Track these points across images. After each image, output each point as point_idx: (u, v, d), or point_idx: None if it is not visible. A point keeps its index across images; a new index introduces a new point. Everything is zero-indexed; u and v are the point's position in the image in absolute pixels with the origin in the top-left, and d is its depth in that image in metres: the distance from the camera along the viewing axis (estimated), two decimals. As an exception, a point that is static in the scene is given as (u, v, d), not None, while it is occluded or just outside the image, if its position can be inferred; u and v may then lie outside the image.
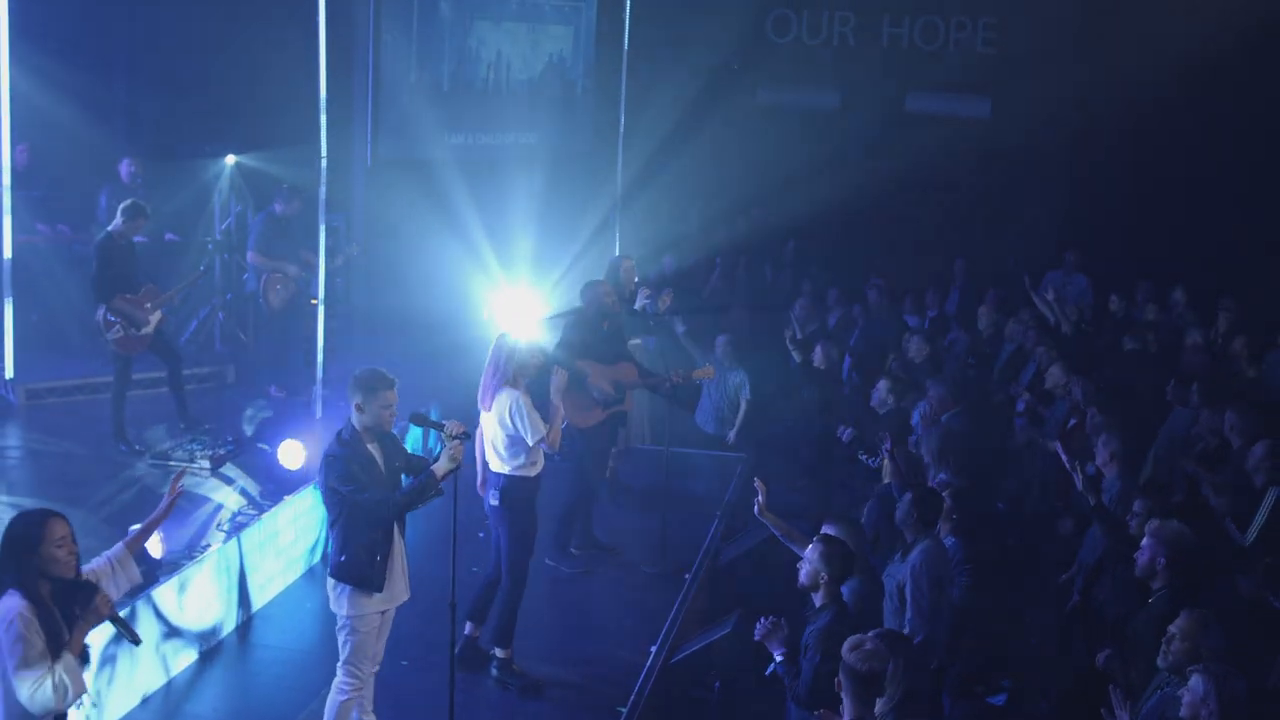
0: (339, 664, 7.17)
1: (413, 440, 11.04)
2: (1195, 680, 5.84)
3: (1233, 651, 7.93)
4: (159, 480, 9.79)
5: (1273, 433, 10.28)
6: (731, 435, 13.09)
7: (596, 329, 10.10)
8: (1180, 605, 6.69)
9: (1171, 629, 6.39)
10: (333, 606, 7.12)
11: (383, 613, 7.19)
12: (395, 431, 7.34)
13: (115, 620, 5.87)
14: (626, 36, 14.14)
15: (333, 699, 7.20)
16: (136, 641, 6.07)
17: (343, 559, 6.97)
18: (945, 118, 18.53)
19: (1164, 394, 12.11)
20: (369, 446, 7.01)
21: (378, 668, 7.40)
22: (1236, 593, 8.76)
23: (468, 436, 6.99)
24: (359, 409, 6.97)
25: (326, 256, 11.37)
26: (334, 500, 7.00)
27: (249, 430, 11.02)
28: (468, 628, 8.54)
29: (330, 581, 7.09)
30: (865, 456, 10.07)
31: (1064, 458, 9.12)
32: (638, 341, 11.40)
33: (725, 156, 19.43)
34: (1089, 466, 9.64)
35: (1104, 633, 8.15)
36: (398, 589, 7.18)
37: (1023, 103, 17.88)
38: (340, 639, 7.14)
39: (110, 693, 7.53)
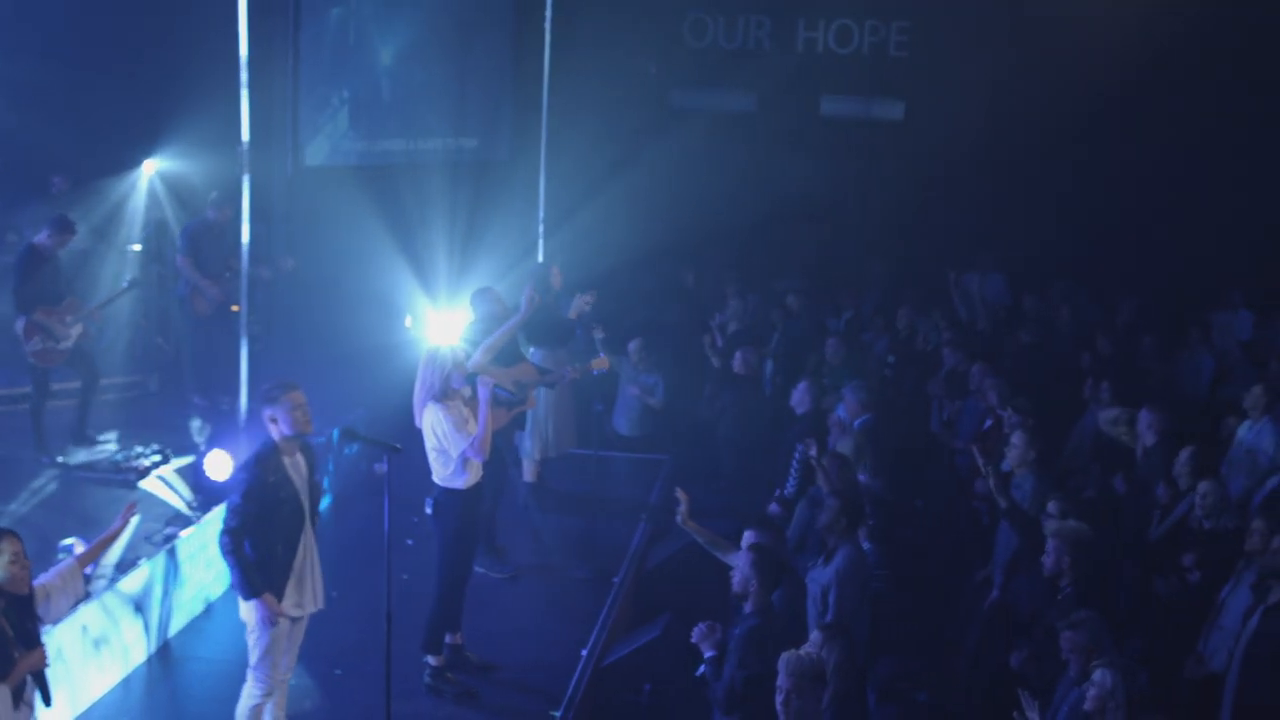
0: (248, 668, 7.30)
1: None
2: (1100, 674, 6.10)
3: (1146, 644, 8.30)
4: (80, 492, 9.78)
5: (1188, 431, 10.66)
6: (626, 426, 13.25)
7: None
8: (1086, 603, 6.96)
9: (1075, 628, 6.66)
10: (242, 615, 7.26)
11: (293, 620, 7.31)
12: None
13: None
14: (548, 42, 14.21)
15: (243, 704, 7.38)
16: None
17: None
18: (860, 120, 18.80)
19: (1076, 393, 12.48)
20: (286, 460, 7.13)
21: (290, 674, 7.53)
22: (1149, 588, 9.11)
23: None
24: (274, 421, 7.09)
25: (253, 266, 11.36)
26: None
27: (199, 441, 11.01)
28: (448, 638, 8.64)
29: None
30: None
31: (978, 459, 9.39)
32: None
33: (646, 160, 19.60)
34: (1004, 465, 9.94)
35: (1020, 630, 8.43)
36: (306, 597, 7.31)
37: (936, 105, 18.21)
38: (250, 643, 7.28)
39: (39, 709, 7.53)
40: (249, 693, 7.34)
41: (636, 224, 18.05)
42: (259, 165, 11.03)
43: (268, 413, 7.12)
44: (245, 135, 9.99)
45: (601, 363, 11.25)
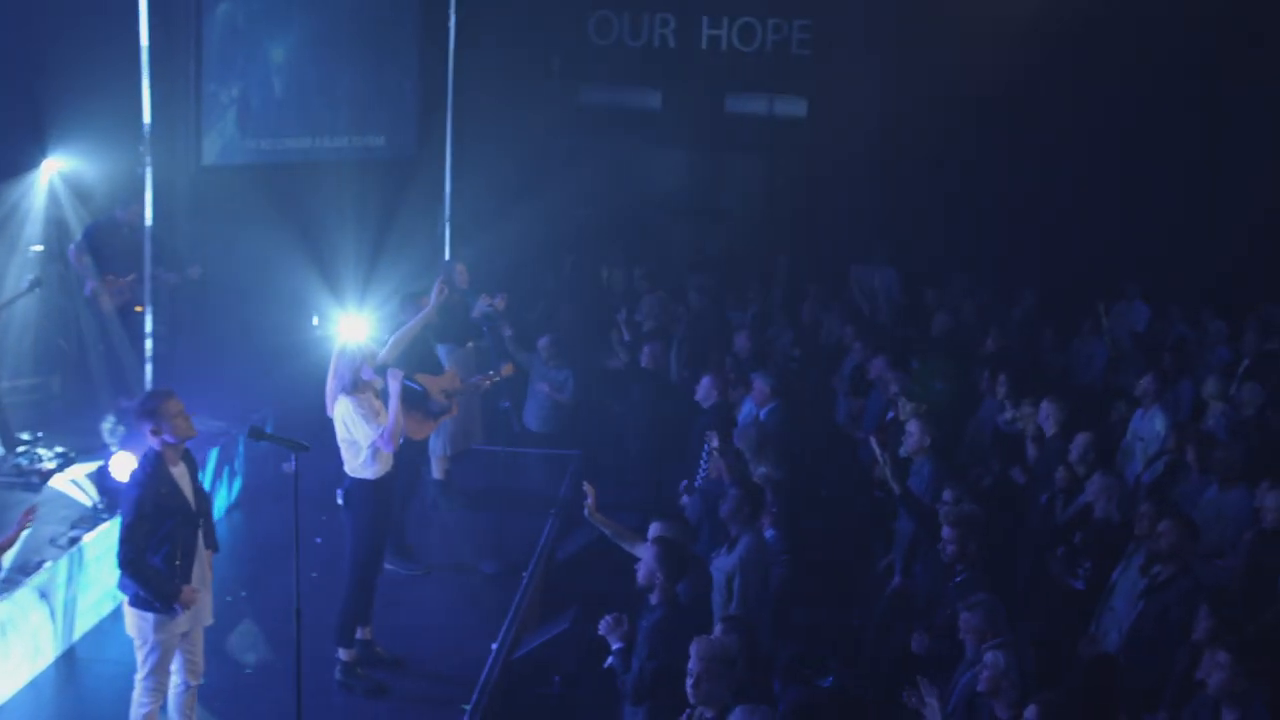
0: (138, 679, 7.34)
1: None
2: (992, 656, 6.31)
3: (1043, 627, 8.54)
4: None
5: (1082, 419, 10.97)
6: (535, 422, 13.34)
7: (424, 340, 10.29)
8: (981, 586, 7.18)
9: (971, 611, 6.87)
10: (129, 629, 7.33)
11: (184, 634, 7.38)
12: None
13: None
14: (452, 39, 14.23)
15: (134, 713, 7.39)
16: None
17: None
18: (764, 118, 19.03)
19: (975, 384, 12.77)
20: (173, 470, 7.17)
21: (198, 678, 7.59)
22: (1046, 572, 9.37)
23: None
24: (156, 433, 7.13)
25: (159, 270, 11.31)
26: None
27: (111, 442, 10.90)
28: (359, 632, 8.67)
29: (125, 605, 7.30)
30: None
31: (876, 449, 9.61)
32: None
33: (553, 157, 19.70)
34: (901, 452, 10.18)
35: (920, 615, 8.66)
36: (203, 608, 7.39)
37: (837, 102, 18.49)
38: (140, 656, 7.32)
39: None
40: (138, 702, 7.40)
41: (544, 221, 18.13)
42: (161, 162, 10.98)
43: (149, 425, 7.15)
44: (146, 118, 9.89)
45: (509, 369, 11.40)
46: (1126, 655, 7.83)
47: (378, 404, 8.37)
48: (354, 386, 8.29)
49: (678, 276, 16.89)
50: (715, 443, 9.72)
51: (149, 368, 11.05)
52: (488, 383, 10.66)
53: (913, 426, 10.23)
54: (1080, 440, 9.90)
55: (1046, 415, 10.69)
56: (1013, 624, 7.36)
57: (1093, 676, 8.05)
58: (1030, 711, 5.72)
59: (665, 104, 19.24)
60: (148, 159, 10.48)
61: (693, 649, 6.24)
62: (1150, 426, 11.43)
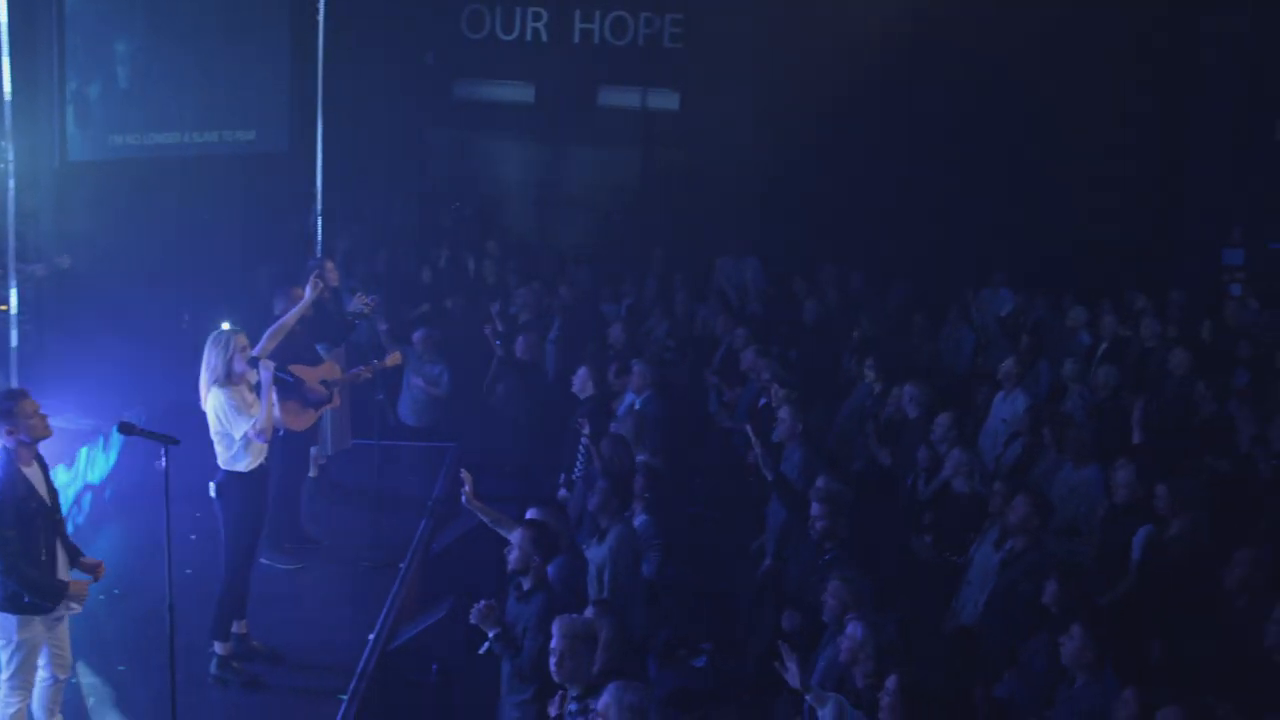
0: (3, 679, 7.28)
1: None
2: (853, 628, 6.55)
3: (911, 601, 8.83)
4: None
5: (948, 402, 11.31)
6: (411, 416, 13.36)
7: (300, 332, 10.29)
8: (849, 563, 7.42)
9: (836, 584, 7.11)
10: None
11: (50, 626, 7.35)
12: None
13: None
14: (321, 31, 14.15)
15: (1, 712, 7.32)
16: None
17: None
18: (637, 111, 19.20)
19: (846, 371, 13.09)
20: (25, 470, 7.16)
21: (68, 673, 7.54)
22: (910, 549, 9.68)
23: None
24: (11, 433, 7.09)
25: (26, 263, 11.14)
26: None
27: None
28: (234, 626, 8.67)
29: None
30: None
31: (751, 436, 9.84)
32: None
33: (427, 150, 19.72)
34: (774, 439, 10.41)
35: (791, 594, 8.89)
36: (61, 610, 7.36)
37: (709, 95, 18.74)
38: (4, 656, 7.26)
39: None
40: (4, 701, 7.33)
41: (419, 214, 18.17)
42: (23, 157, 10.82)
43: (4, 426, 7.10)
44: (6, 113, 9.73)
45: (394, 359, 11.43)
46: (983, 627, 8.13)
47: (250, 396, 8.38)
48: (226, 378, 8.30)
49: (552, 269, 16.99)
50: (585, 431, 9.88)
51: (13, 366, 10.87)
52: (369, 373, 10.69)
53: (784, 414, 10.48)
54: (941, 420, 10.24)
55: (910, 398, 11.00)
56: (879, 599, 7.63)
57: (952, 649, 8.38)
58: (891, 681, 5.95)
59: (538, 97, 19.31)
60: (9, 154, 10.32)
61: (555, 627, 6.38)
62: (1012, 408, 11.82)
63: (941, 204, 18.14)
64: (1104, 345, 14.44)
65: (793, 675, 6.08)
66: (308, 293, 9.88)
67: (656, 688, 8.53)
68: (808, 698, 6.06)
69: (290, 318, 9.58)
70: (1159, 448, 10.95)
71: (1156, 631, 8.05)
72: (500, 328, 13.21)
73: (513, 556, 7.37)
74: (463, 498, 8.46)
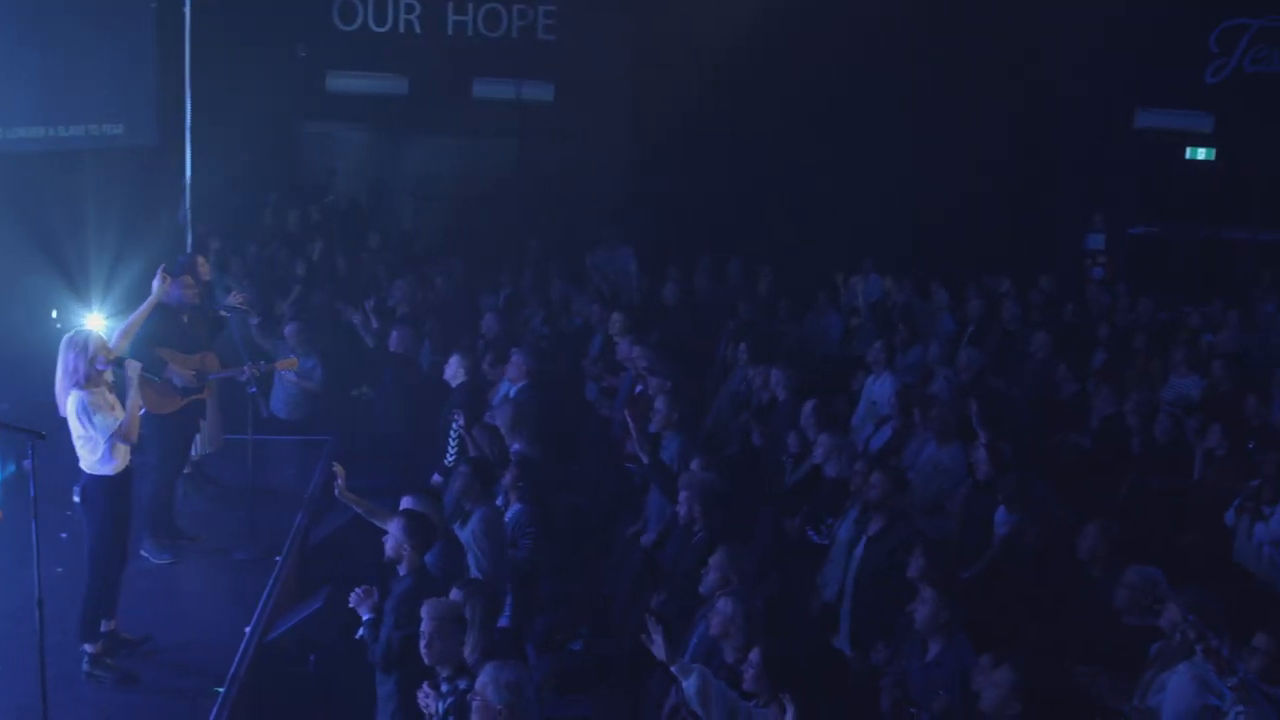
0: None
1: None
2: (723, 603, 6.71)
3: (781, 580, 9.04)
4: None
5: (817, 386, 11.55)
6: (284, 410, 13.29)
7: (175, 320, 10.22)
8: (717, 543, 7.59)
9: (710, 562, 7.28)
10: None
11: None
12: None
13: None
14: (188, 23, 13.98)
15: None
16: None
17: None
18: (511, 103, 19.24)
19: (721, 357, 13.29)
20: None
21: None
22: (781, 529, 9.89)
23: None
24: None
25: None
26: None
27: None
28: (104, 624, 8.58)
29: None
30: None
31: (630, 423, 9.97)
32: None
33: (301, 143, 19.59)
34: (651, 427, 10.56)
35: (666, 577, 9.04)
36: None
37: (584, 87, 18.85)
38: None
39: None
40: None
41: (293, 208, 18.03)
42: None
43: None
44: None
45: (289, 363, 11.37)
46: (852, 602, 8.36)
47: (112, 397, 8.27)
48: (86, 379, 8.15)
49: (427, 261, 16.98)
50: (459, 421, 9.94)
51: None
52: (256, 371, 10.62)
53: (660, 404, 10.63)
54: (808, 405, 10.45)
55: (777, 382, 11.22)
56: (753, 577, 7.80)
57: (820, 626, 8.61)
58: (754, 654, 6.11)
59: (412, 89, 19.25)
60: None
61: (423, 610, 6.45)
62: (881, 391, 12.11)
63: (814, 191, 18.43)
64: (970, 329, 14.85)
65: (658, 648, 6.21)
66: (155, 286, 9.78)
67: (535, 672, 8.65)
68: (673, 669, 6.19)
69: (142, 311, 9.50)
70: (1021, 427, 11.38)
71: (1019, 602, 8.34)
72: (374, 322, 13.18)
73: (389, 545, 7.44)
74: (336, 491, 8.51)
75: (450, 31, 19.47)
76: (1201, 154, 20.63)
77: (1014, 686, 5.85)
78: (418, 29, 19.39)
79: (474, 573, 8.20)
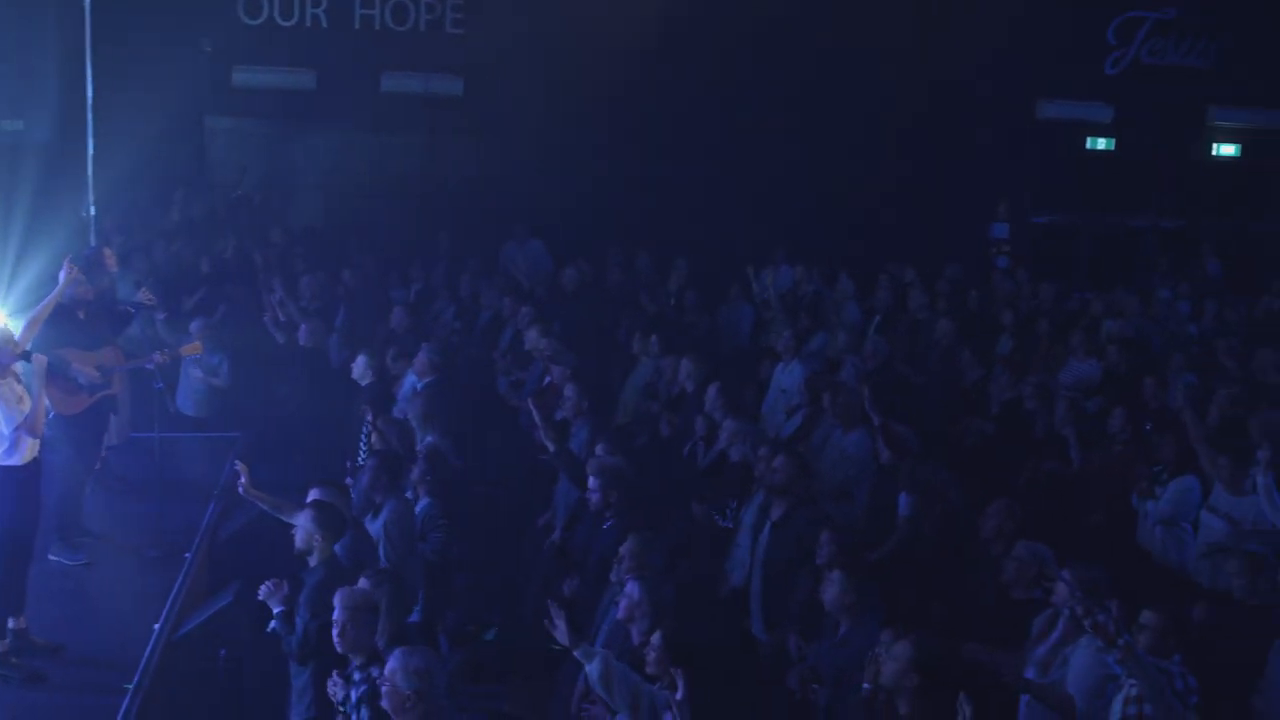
0: None
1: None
2: (631, 587, 6.80)
3: (691, 564, 9.14)
4: None
5: (726, 375, 11.67)
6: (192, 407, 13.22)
7: (72, 317, 10.13)
8: (628, 529, 7.68)
9: (621, 550, 7.36)
10: None
11: None
12: None
13: None
14: (88, 17, 13.79)
15: None
16: None
17: None
18: (421, 97, 19.16)
19: (626, 348, 13.37)
20: None
21: None
22: (691, 516, 9.99)
23: None
24: None
25: None
26: None
27: None
28: (11, 622, 8.49)
29: None
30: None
31: (535, 412, 10.03)
32: None
33: (207, 139, 19.38)
34: (559, 415, 10.63)
35: (577, 564, 9.12)
36: None
37: (493, 80, 18.82)
38: None
39: None
40: None
41: (199, 204, 17.85)
42: None
43: None
44: None
45: (194, 347, 11.28)
46: (762, 585, 8.48)
47: (20, 388, 8.23)
48: (-10, 372, 8.12)
49: (338, 257, 16.88)
50: (368, 417, 9.96)
51: None
52: (164, 358, 10.55)
53: (569, 391, 10.71)
54: (711, 391, 10.57)
55: (687, 374, 11.34)
56: (663, 563, 7.88)
57: (731, 610, 8.73)
58: (655, 637, 6.19)
59: (320, 84, 19.06)
60: None
61: (336, 599, 6.48)
62: (791, 379, 12.26)
63: (726, 183, 18.58)
64: (877, 318, 15.07)
65: (561, 633, 6.27)
66: (61, 278, 9.71)
67: (448, 664, 8.69)
68: (576, 654, 6.25)
69: (46, 304, 9.43)
70: (927, 414, 11.59)
71: (922, 581, 8.52)
72: (281, 317, 13.11)
73: (298, 537, 7.46)
74: (240, 489, 8.51)
75: (357, 25, 19.33)
76: (1102, 144, 21.12)
77: (911, 660, 5.99)
78: (324, 23, 19.22)
79: (383, 562, 8.22)
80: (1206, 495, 9.35)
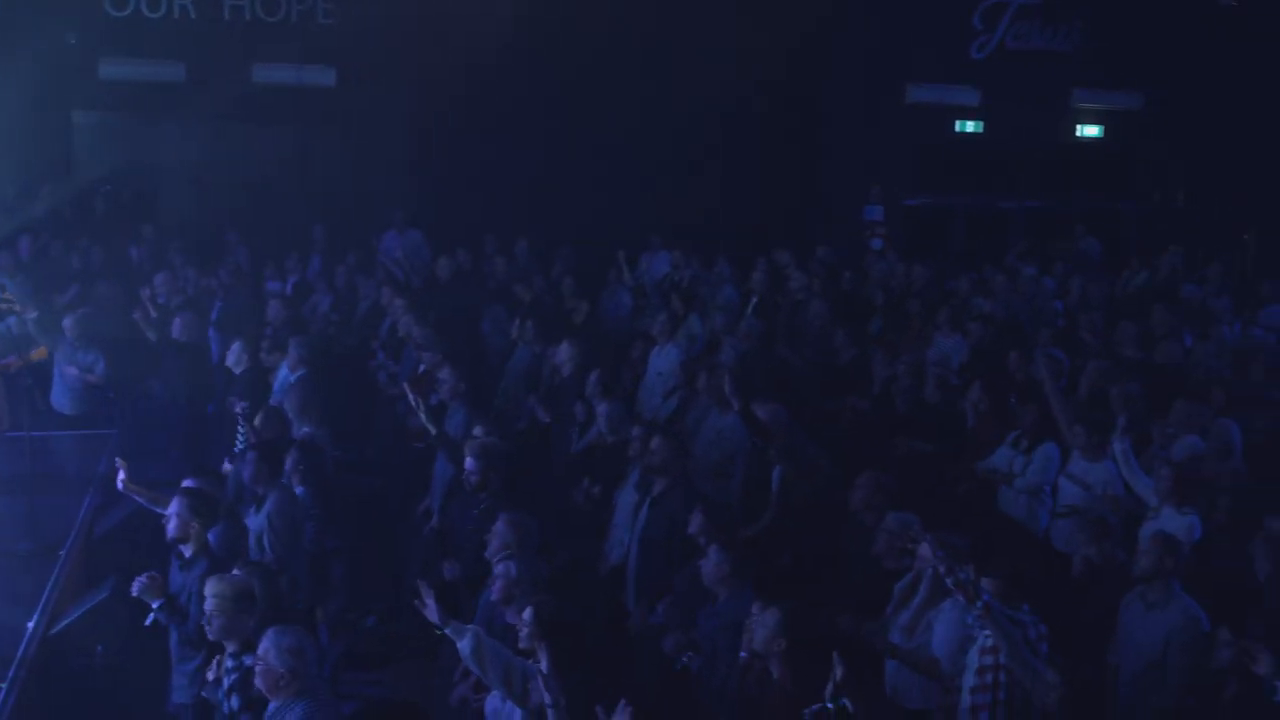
0: None
1: None
2: (505, 567, 6.89)
3: (570, 547, 9.25)
4: None
5: (603, 359, 11.81)
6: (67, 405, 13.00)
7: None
8: (501, 509, 7.77)
9: (494, 528, 7.46)
10: None
11: None
12: None
13: None
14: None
15: None
16: None
17: None
18: (293, 88, 19.01)
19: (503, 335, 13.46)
20: None
21: None
22: (570, 499, 10.10)
23: None
24: None
25: None
26: None
27: None
28: None
29: None
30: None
31: (411, 397, 10.07)
32: None
33: (74, 133, 19.05)
34: (435, 399, 10.68)
35: (456, 548, 9.18)
36: None
37: (366, 71, 18.74)
38: None
39: None
40: None
41: (68, 200, 17.58)
42: None
43: None
44: None
45: (40, 352, 11.11)
46: (638, 562, 8.61)
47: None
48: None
49: (211, 250, 16.73)
50: (239, 408, 9.94)
51: None
52: (20, 363, 10.40)
53: (445, 374, 10.76)
54: (592, 375, 10.70)
55: (566, 357, 11.45)
56: (536, 542, 7.98)
57: (609, 589, 8.86)
58: (527, 613, 6.26)
59: (189, 76, 18.83)
60: None
61: (207, 588, 6.49)
62: (666, 361, 12.42)
63: (601, 171, 18.69)
64: (754, 300, 15.29)
65: (431, 611, 6.32)
66: None
67: (329, 653, 8.72)
68: (447, 631, 6.30)
69: None
70: (803, 393, 11.81)
71: (795, 553, 8.72)
72: (152, 313, 12.96)
73: (171, 525, 7.43)
74: (119, 485, 8.45)
75: (227, 16, 19.12)
76: (970, 126, 21.60)
77: (779, 624, 6.17)
78: (193, 14, 18.97)
79: (267, 556, 8.23)
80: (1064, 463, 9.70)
